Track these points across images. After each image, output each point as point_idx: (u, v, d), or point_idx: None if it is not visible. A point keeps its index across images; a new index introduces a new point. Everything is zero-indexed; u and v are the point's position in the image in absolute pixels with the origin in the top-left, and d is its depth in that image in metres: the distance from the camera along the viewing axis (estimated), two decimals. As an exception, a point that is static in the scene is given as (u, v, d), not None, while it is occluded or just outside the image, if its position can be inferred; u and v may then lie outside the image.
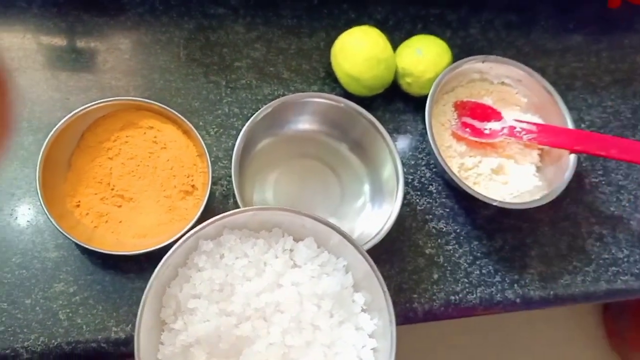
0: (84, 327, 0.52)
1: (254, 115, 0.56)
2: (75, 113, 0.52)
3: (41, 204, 0.49)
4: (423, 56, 0.64)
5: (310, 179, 0.61)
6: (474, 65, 0.65)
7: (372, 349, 0.42)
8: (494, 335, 1.42)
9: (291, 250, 0.44)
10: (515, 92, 0.68)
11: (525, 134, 0.63)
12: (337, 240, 0.44)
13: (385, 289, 0.41)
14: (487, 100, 0.66)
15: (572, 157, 0.62)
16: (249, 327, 0.41)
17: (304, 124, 0.62)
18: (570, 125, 0.64)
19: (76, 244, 0.52)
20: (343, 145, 0.63)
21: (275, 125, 0.60)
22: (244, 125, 0.56)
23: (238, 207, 0.49)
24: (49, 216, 0.49)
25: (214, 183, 0.55)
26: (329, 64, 0.67)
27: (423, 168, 0.67)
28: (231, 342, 0.40)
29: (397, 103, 0.69)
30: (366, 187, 0.62)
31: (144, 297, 0.39)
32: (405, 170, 0.59)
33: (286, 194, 0.60)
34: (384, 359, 0.41)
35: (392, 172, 0.58)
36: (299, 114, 0.61)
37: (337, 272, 0.44)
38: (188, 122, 0.54)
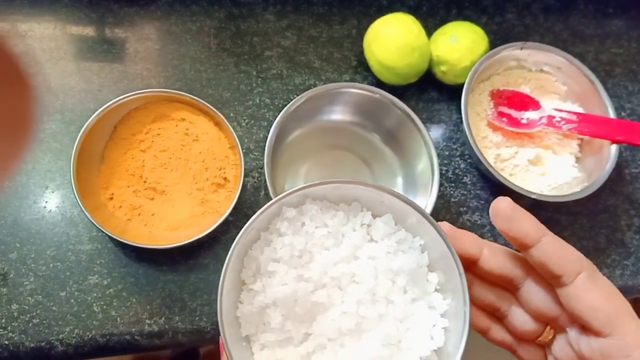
0: (118, 319, 0.52)
1: (286, 107, 0.55)
2: (108, 105, 0.52)
3: (75, 197, 0.49)
4: (458, 43, 0.62)
5: (342, 170, 0.60)
6: (512, 52, 0.63)
7: (443, 328, 0.42)
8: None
9: (369, 226, 0.44)
10: (554, 80, 0.65)
11: (564, 124, 0.61)
12: (415, 220, 0.43)
13: (462, 271, 0.41)
14: (525, 89, 0.64)
15: (614, 148, 0.60)
16: (324, 294, 0.41)
17: (337, 114, 0.61)
18: (612, 114, 0.62)
19: (110, 237, 0.52)
20: (376, 136, 0.62)
21: (307, 116, 0.59)
22: (275, 116, 0.55)
23: (270, 199, 0.48)
24: (83, 209, 0.49)
25: (245, 175, 0.55)
26: (361, 52, 0.65)
27: (457, 159, 0.65)
28: (306, 307, 0.41)
29: (431, 92, 0.67)
30: (399, 180, 0.61)
31: (228, 256, 0.39)
32: (439, 161, 0.58)
33: (318, 186, 0.59)
34: (455, 339, 0.40)
35: (427, 165, 0.56)
36: (332, 105, 0.60)
37: (413, 251, 0.44)
38: (220, 114, 0.53)
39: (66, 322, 0.51)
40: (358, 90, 0.58)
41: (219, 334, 0.39)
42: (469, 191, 0.64)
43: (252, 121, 0.62)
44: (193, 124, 0.55)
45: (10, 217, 0.54)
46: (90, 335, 0.51)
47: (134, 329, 0.52)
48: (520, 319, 0.37)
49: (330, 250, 0.43)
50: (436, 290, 0.43)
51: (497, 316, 0.39)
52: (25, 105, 0.20)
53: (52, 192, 0.55)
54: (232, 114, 0.62)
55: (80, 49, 0.61)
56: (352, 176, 0.60)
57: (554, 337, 0.36)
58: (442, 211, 0.62)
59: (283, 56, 0.65)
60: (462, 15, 0.72)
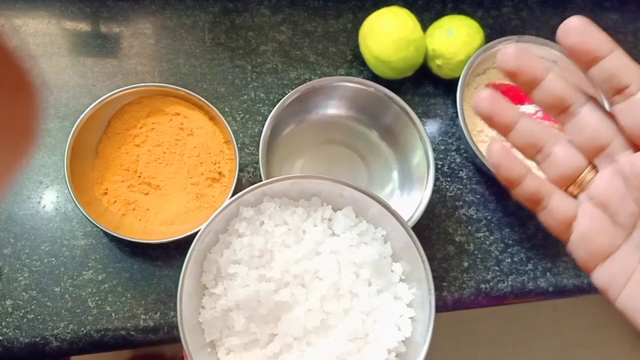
0: (113, 314, 0.52)
1: (281, 101, 0.55)
2: (102, 100, 0.52)
3: (69, 192, 0.49)
4: (454, 37, 0.62)
5: (337, 165, 0.60)
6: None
7: (410, 318, 0.42)
8: (520, 320, 1.41)
9: (330, 220, 0.45)
10: (550, 74, 0.65)
11: (560, 118, 0.61)
12: (377, 210, 0.43)
13: (425, 259, 0.41)
14: (521, 83, 0.64)
15: (610, 142, 0.60)
16: (287, 293, 0.41)
17: (332, 109, 0.61)
18: (607, 107, 0.62)
19: (104, 232, 0.52)
20: (372, 131, 0.61)
21: (302, 111, 0.59)
22: (270, 110, 0.55)
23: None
24: (78, 204, 0.49)
25: (240, 170, 0.54)
26: (357, 46, 0.65)
27: (453, 153, 0.65)
28: (270, 307, 0.41)
29: (427, 86, 0.67)
30: (395, 174, 0.60)
31: (185, 261, 0.39)
32: (435, 155, 0.58)
33: (313, 180, 0.59)
34: (422, 328, 0.41)
35: (422, 159, 0.56)
36: (327, 99, 0.59)
37: (375, 242, 0.44)
38: (214, 108, 0.53)
39: (61, 317, 0.51)
40: (353, 84, 0.57)
41: None
42: (465, 185, 0.64)
43: (247, 116, 0.62)
44: (187, 119, 0.55)
45: (4, 213, 0.54)
46: (85, 331, 0.51)
47: (129, 324, 0.52)
48: (565, 154, 0.34)
49: (292, 247, 0.42)
50: (401, 280, 0.44)
51: (537, 160, 0.36)
52: (29, 107, 0.20)
53: (46, 188, 0.55)
54: (227, 109, 0.61)
55: (74, 43, 0.61)
56: (348, 171, 0.60)
57: (593, 177, 0.33)
58: (438, 205, 0.62)
59: (278, 51, 0.65)
60: (457, 9, 0.71)
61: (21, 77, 0.19)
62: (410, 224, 0.53)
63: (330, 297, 0.41)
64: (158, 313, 0.53)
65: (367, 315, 0.42)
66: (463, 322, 1.36)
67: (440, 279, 0.59)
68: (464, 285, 0.60)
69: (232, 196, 0.51)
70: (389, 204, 0.43)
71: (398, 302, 0.43)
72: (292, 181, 0.42)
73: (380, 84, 0.58)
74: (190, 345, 0.38)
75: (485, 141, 0.62)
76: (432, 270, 0.59)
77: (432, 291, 0.41)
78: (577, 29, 0.31)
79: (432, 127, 0.66)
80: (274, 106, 0.55)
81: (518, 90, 0.63)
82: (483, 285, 0.61)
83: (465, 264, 0.60)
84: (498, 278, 0.61)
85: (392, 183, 0.60)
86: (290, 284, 0.42)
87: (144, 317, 0.53)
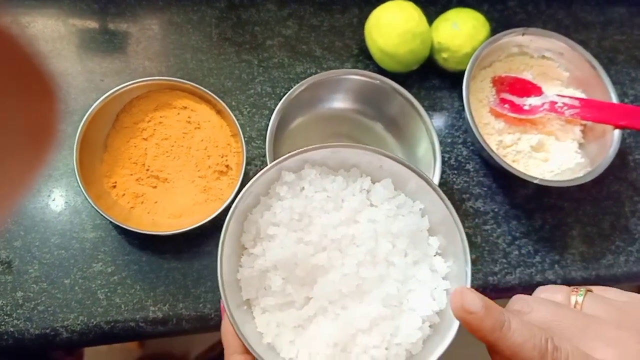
0: (122, 306, 0.53)
1: (287, 94, 0.55)
2: (110, 94, 0.52)
3: (79, 185, 0.50)
4: (460, 30, 0.62)
5: None
6: (514, 38, 0.63)
7: (445, 290, 0.42)
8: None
9: (368, 191, 0.45)
10: (556, 66, 0.65)
11: (567, 109, 0.61)
12: (415, 184, 0.44)
13: (464, 234, 0.41)
14: (527, 75, 0.64)
15: (617, 133, 0.60)
16: (324, 257, 0.41)
17: (338, 102, 0.61)
18: (614, 99, 0.62)
19: (113, 225, 0.53)
20: (377, 123, 0.62)
21: (308, 104, 0.59)
22: (277, 104, 0.55)
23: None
24: (87, 197, 0.49)
25: (247, 163, 0.55)
26: (362, 40, 0.65)
27: (460, 146, 0.65)
28: (307, 270, 0.41)
29: (433, 79, 0.67)
30: None
31: (227, 220, 0.40)
32: (441, 148, 0.58)
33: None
34: None
35: (428, 150, 0.57)
36: (333, 92, 0.60)
37: (413, 215, 0.44)
38: (221, 102, 0.54)
39: (71, 309, 0.52)
40: (359, 76, 0.58)
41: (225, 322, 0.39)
42: (472, 178, 0.64)
43: (254, 110, 0.62)
44: (195, 112, 0.55)
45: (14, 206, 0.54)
46: (94, 322, 0.52)
47: (138, 316, 0.53)
48: None
49: (330, 213, 0.43)
50: (437, 254, 0.44)
51: None
52: (48, 110, 0.20)
53: (56, 181, 0.56)
54: (233, 103, 0.62)
55: (83, 39, 0.62)
56: None
57: None
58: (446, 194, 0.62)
59: (284, 45, 0.66)
60: (463, 2, 0.72)
61: (41, 81, 0.19)
62: None
63: (367, 264, 0.42)
64: (167, 305, 0.53)
65: (402, 283, 0.42)
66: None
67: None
68: (471, 278, 0.60)
69: (239, 190, 0.52)
70: (429, 178, 0.43)
71: (434, 274, 0.43)
72: (332, 149, 0.43)
73: (386, 77, 0.58)
74: (230, 301, 0.38)
75: (491, 134, 0.62)
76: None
77: (469, 265, 0.41)
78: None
79: (439, 120, 0.66)
80: (281, 100, 0.55)
81: (524, 82, 0.63)
82: (491, 278, 0.61)
83: (473, 256, 0.60)
84: (506, 270, 0.61)
85: None
86: (327, 248, 0.42)
87: (153, 308, 0.53)
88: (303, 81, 0.56)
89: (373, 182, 0.45)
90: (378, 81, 0.57)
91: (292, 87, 0.56)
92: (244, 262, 0.42)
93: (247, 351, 0.37)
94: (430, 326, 0.42)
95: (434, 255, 0.44)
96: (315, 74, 0.58)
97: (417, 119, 0.57)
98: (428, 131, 0.57)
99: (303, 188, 0.44)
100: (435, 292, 0.42)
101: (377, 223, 0.43)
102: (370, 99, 0.60)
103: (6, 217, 0.50)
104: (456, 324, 0.39)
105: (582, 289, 0.37)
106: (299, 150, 0.42)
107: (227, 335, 0.39)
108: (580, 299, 0.36)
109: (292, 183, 0.43)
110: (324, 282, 0.41)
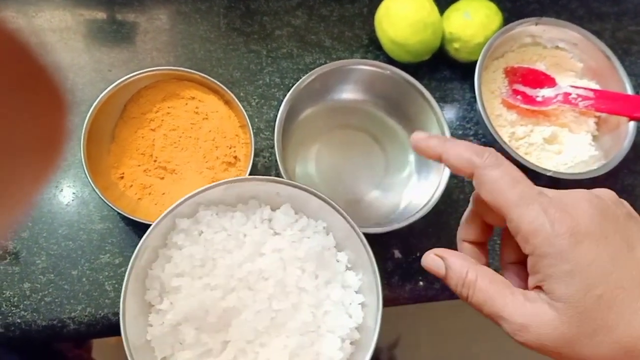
0: (130, 298, 0.52)
1: (296, 84, 0.54)
2: (118, 84, 0.52)
3: (86, 176, 0.49)
4: (472, 20, 0.61)
5: (353, 150, 0.60)
6: (527, 28, 0.61)
7: (360, 304, 0.43)
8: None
9: (270, 220, 0.44)
10: (570, 57, 0.64)
11: (581, 101, 0.60)
12: (316, 205, 0.44)
13: (368, 247, 0.42)
14: (540, 66, 0.63)
15: (632, 125, 0.59)
16: (234, 298, 0.41)
17: (347, 93, 0.60)
18: (629, 91, 0.61)
19: (121, 216, 0.52)
20: (387, 114, 0.61)
21: (318, 95, 0.59)
22: (285, 95, 0.54)
23: (281, 178, 0.48)
24: (95, 188, 0.49)
25: (256, 155, 0.54)
26: (373, 31, 0.64)
27: (471, 138, 0.64)
28: (219, 315, 0.40)
29: (444, 70, 0.66)
30: (412, 157, 0.60)
31: (125, 281, 0.39)
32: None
33: (329, 166, 0.58)
34: (372, 312, 0.41)
35: None
36: (343, 83, 0.59)
37: (317, 235, 0.44)
38: (230, 92, 0.53)
39: (78, 300, 0.52)
40: (368, 66, 0.57)
41: None
42: (483, 171, 0.63)
43: (262, 101, 0.61)
44: (203, 103, 0.55)
45: (22, 197, 0.54)
46: (102, 314, 0.52)
47: (145, 308, 0.52)
48: None
49: (233, 252, 0.42)
50: (348, 268, 0.44)
51: None
52: (57, 121, 0.19)
53: (64, 172, 0.55)
54: (242, 94, 0.61)
55: (90, 29, 0.61)
56: (364, 155, 0.60)
57: None
58: (456, 191, 0.62)
59: (293, 35, 0.65)
60: (475, -8, 0.70)
61: (54, 92, 0.19)
62: (428, 208, 0.53)
63: (278, 295, 0.41)
64: (174, 297, 0.53)
65: (316, 307, 0.42)
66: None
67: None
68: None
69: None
70: (325, 197, 0.43)
71: (347, 290, 0.43)
72: (225, 187, 0.42)
73: (396, 67, 0.57)
74: None
75: (504, 125, 0.61)
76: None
77: (377, 275, 0.41)
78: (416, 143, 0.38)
79: (450, 112, 0.65)
80: (289, 91, 0.54)
81: (537, 73, 0.62)
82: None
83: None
84: (517, 264, 0.60)
85: (409, 167, 0.59)
86: (236, 288, 0.41)
87: (161, 301, 0.53)
88: (312, 71, 0.55)
89: (273, 209, 0.45)
90: (388, 71, 0.57)
91: (301, 78, 0.55)
92: (153, 321, 0.41)
93: None
94: (351, 343, 0.42)
95: (345, 270, 0.44)
96: (324, 64, 0.57)
97: (426, 107, 0.56)
98: (439, 121, 0.56)
99: (201, 232, 0.43)
100: (350, 308, 0.43)
101: (283, 251, 0.42)
102: (380, 90, 0.59)
103: (19, 220, 0.50)
104: (376, 335, 0.40)
105: None
106: (190, 194, 0.41)
107: None
108: None
109: (188, 229, 0.42)
110: (238, 323, 0.41)
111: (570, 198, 0.34)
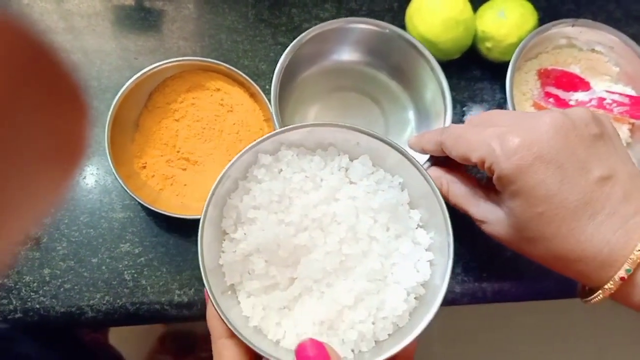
0: (148, 288, 0.52)
1: (292, 44, 0.55)
2: (144, 73, 0.51)
3: (110, 164, 0.49)
4: (506, 19, 0.59)
5: (352, 111, 0.60)
6: (563, 29, 0.59)
7: (428, 262, 0.43)
8: (560, 318, 1.37)
9: (346, 169, 0.45)
10: (606, 61, 0.62)
11: (615, 107, 0.58)
12: (394, 159, 0.44)
13: (444, 206, 0.41)
14: (574, 69, 0.61)
15: (668, 134, 0.57)
16: (306, 237, 0.41)
17: (344, 54, 0.61)
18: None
19: (142, 206, 0.52)
20: (382, 73, 0.61)
21: (315, 57, 0.59)
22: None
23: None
24: (118, 177, 0.49)
25: (279, 149, 0.53)
26: (403, 26, 0.63)
27: (499, 140, 0.62)
28: (290, 251, 0.41)
29: (474, 70, 0.65)
30: (411, 114, 0.60)
31: (205, 206, 0.39)
32: (453, 94, 0.57)
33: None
34: (440, 272, 0.41)
35: (436, 92, 0.57)
36: (342, 44, 0.60)
37: (392, 189, 0.44)
38: (255, 85, 0.52)
39: (97, 288, 0.52)
40: (366, 25, 0.58)
41: None
42: (510, 174, 0.62)
43: (288, 94, 0.60)
44: (228, 95, 0.54)
45: (45, 183, 0.54)
46: (120, 303, 0.51)
47: (163, 299, 0.52)
48: None
49: (309, 193, 0.43)
50: (419, 226, 0.44)
51: None
52: (77, 127, 0.20)
53: (87, 159, 0.55)
54: (267, 87, 0.60)
55: (118, 16, 0.61)
56: (363, 116, 0.60)
57: None
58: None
59: (322, 29, 0.64)
60: (509, -10, 0.68)
61: (74, 94, 0.19)
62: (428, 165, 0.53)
63: (349, 240, 0.42)
64: (192, 289, 0.53)
65: (385, 258, 0.42)
66: (504, 316, 1.34)
67: (480, 270, 0.57)
68: (505, 276, 0.58)
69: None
70: (406, 151, 0.43)
71: (416, 247, 0.43)
72: (308, 129, 0.42)
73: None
74: (213, 287, 0.38)
75: (533, 128, 0.59)
76: (471, 261, 0.58)
77: (451, 236, 0.41)
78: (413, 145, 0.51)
79: (478, 112, 0.63)
80: (284, 52, 0.55)
81: (571, 76, 0.60)
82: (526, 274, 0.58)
83: (509, 253, 0.58)
84: (542, 269, 0.59)
85: (409, 124, 0.60)
86: (308, 227, 0.42)
87: (179, 292, 0.52)
88: (308, 30, 0.56)
89: (351, 159, 0.45)
90: (387, 30, 0.58)
91: (327, 72, 0.55)
92: (226, 248, 0.42)
93: (233, 335, 0.37)
94: (415, 298, 0.42)
95: (416, 228, 0.44)
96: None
97: (421, 60, 0.57)
98: (433, 71, 0.57)
99: (281, 170, 0.43)
100: (418, 264, 0.43)
101: (357, 200, 0.43)
102: (375, 49, 0.60)
103: (39, 222, 0.51)
104: (442, 294, 0.39)
105: None
106: (274, 132, 0.42)
107: (213, 320, 0.39)
108: None
109: (269, 165, 0.43)
110: (307, 261, 0.41)
111: (531, 122, 0.40)
